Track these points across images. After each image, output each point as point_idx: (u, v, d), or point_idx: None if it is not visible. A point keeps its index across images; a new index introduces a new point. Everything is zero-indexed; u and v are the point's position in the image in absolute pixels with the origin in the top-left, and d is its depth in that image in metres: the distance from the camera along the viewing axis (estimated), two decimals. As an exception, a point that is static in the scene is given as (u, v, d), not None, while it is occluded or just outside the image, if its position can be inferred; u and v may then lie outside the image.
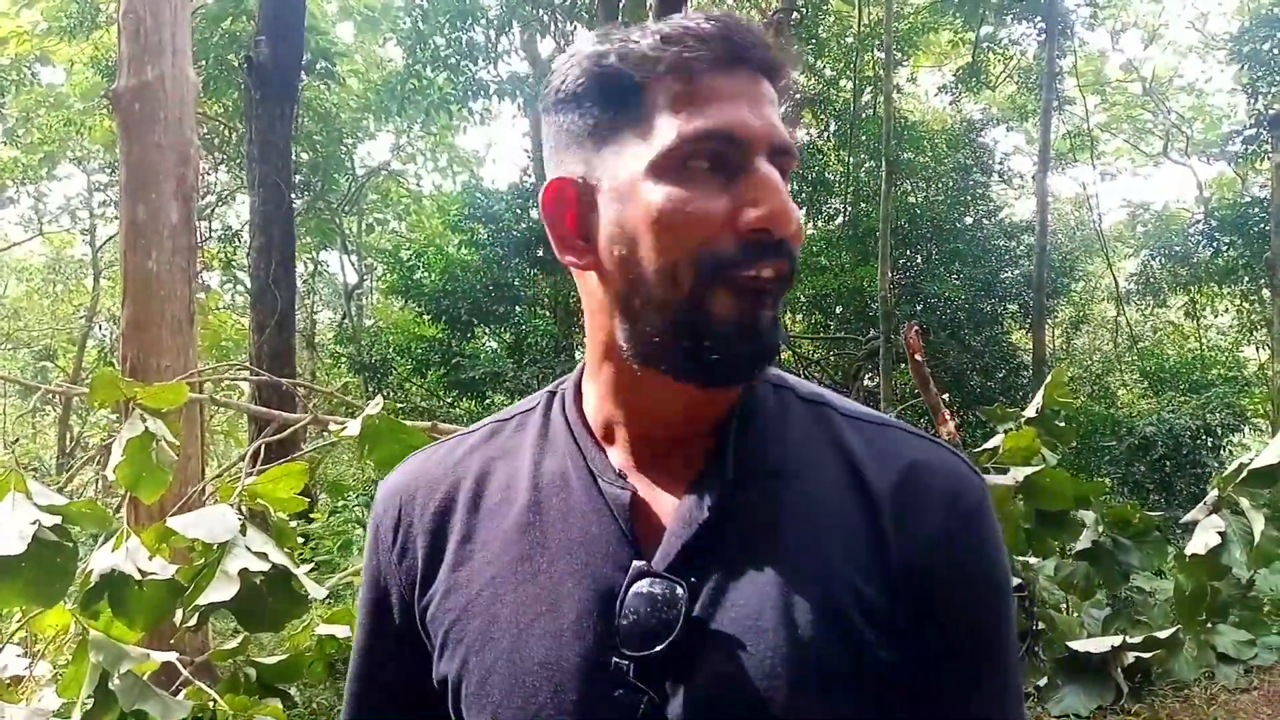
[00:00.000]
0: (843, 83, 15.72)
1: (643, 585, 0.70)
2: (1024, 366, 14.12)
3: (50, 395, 14.76)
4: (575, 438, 0.81)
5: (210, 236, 15.83)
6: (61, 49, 14.37)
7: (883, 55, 13.88)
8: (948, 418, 5.01)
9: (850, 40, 15.35)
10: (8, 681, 2.19)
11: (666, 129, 0.70)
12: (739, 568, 0.71)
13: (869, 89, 15.51)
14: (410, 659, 0.83)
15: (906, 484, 0.75)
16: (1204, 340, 18.00)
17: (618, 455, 0.79)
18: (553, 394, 0.87)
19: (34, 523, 1.85)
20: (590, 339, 0.81)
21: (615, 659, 0.70)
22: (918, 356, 5.22)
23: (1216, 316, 18.20)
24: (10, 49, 14.33)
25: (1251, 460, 5.87)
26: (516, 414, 0.88)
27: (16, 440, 16.62)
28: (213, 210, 16.53)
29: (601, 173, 0.74)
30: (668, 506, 0.76)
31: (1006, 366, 13.73)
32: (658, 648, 0.68)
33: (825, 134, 16.20)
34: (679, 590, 0.69)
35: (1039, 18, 14.27)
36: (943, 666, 0.73)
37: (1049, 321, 16.94)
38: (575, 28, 14.45)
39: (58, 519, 1.91)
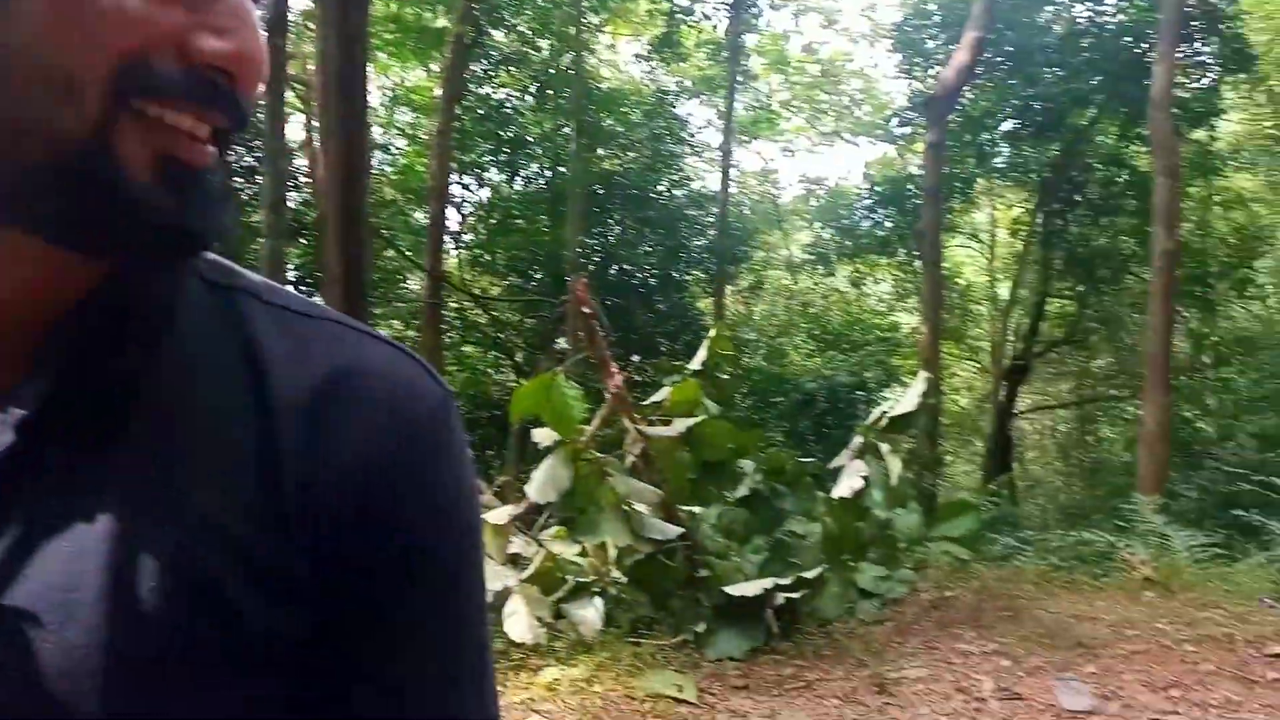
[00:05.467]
0: (541, 43, 15.66)
1: None
2: (707, 330, 14.94)
3: None
4: None
5: None
6: None
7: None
8: (614, 372, 4.98)
9: (548, -3, 15.24)
10: None
11: None
12: (54, 521, 0.49)
13: (567, 51, 15.56)
14: None
15: (329, 392, 0.54)
16: (864, 306, 19.90)
17: None
18: None
19: None
20: None
21: None
22: (585, 309, 5.13)
23: (877, 284, 20.13)
24: None
25: (891, 408, 6.44)
26: None
27: None
28: None
29: None
30: None
31: (691, 330, 14.37)
32: None
33: (525, 94, 16.13)
34: None
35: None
36: (368, 640, 0.54)
37: (731, 288, 17.98)
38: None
39: None
